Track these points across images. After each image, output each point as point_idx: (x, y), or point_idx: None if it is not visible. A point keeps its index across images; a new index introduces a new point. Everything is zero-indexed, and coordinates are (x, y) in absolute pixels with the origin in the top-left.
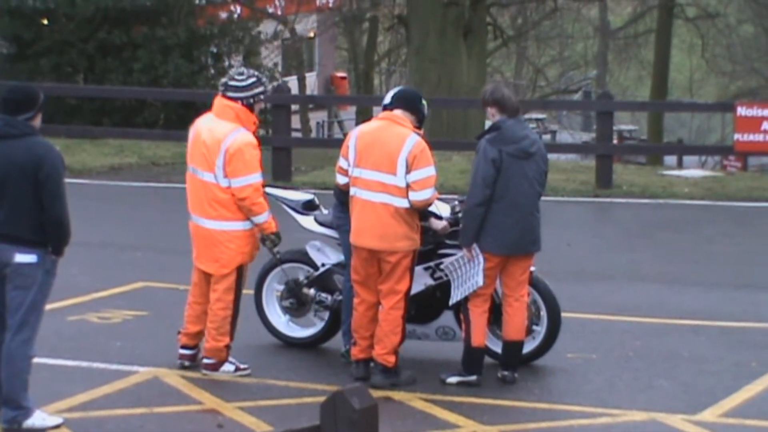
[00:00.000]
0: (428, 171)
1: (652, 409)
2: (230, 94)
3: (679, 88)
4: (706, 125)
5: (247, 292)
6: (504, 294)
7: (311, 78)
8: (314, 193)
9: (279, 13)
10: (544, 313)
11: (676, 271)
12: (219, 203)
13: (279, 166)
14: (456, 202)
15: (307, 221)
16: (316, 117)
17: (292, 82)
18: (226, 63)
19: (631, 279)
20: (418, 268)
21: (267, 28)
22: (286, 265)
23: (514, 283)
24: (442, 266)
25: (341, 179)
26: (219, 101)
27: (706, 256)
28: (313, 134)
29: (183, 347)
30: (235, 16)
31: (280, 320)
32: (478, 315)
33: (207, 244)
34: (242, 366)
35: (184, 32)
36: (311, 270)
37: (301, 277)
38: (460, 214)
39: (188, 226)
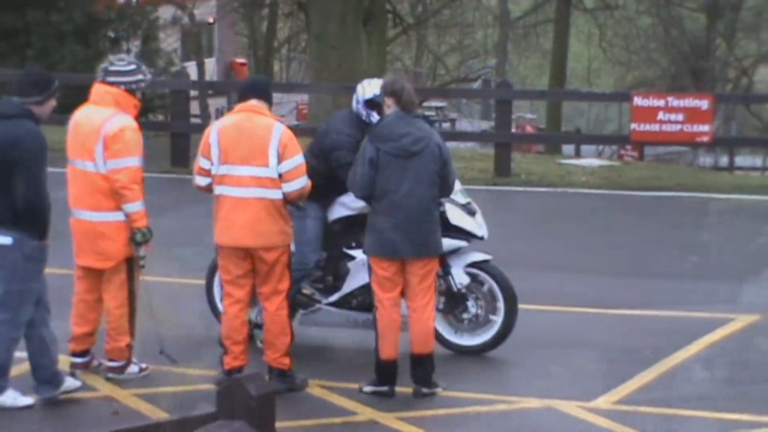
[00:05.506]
0: (299, 159)
1: (548, 396)
2: (111, 79)
3: (577, 77)
4: (603, 115)
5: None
6: (406, 304)
7: (211, 64)
8: None
9: None
10: (501, 304)
11: (573, 260)
12: (101, 193)
13: (178, 152)
14: None
15: None
16: (216, 103)
17: (192, 67)
18: (125, 48)
19: (529, 267)
20: (363, 258)
21: (166, 13)
22: None
23: (412, 292)
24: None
25: (202, 181)
26: (97, 88)
27: (603, 244)
28: (213, 120)
29: (73, 355)
30: (134, 0)
31: None
32: (384, 326)
33: (91, 237)
34: (144, 366)
35: (80, 17)
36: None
37: None
38: None
39: (69, 223)
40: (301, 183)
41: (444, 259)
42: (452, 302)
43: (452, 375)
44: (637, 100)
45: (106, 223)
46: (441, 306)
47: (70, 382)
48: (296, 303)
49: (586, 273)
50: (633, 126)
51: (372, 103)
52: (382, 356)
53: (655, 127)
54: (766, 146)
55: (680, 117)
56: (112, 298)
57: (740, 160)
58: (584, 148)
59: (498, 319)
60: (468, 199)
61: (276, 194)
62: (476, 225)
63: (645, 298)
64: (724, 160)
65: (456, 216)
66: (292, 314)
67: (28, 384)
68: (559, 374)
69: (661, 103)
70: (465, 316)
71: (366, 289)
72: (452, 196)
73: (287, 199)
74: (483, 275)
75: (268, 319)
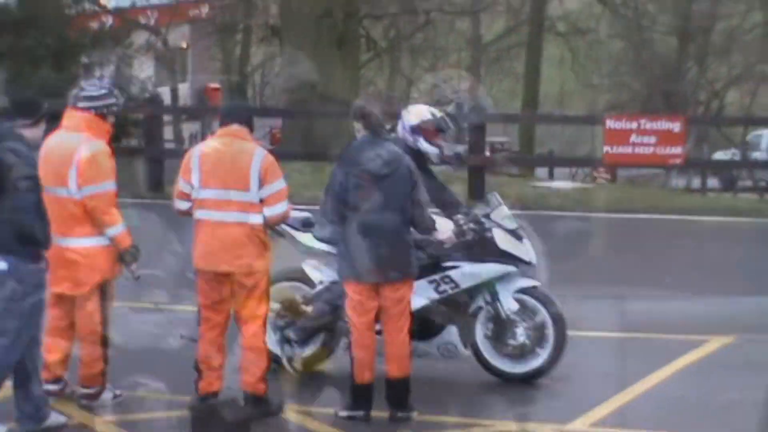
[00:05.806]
0: (280, 183)
1: (524, 419)
2: (82, 104)
3: (550, 100)
4: (576, 137)
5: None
6: (381, 328)
7: (184, 89)
8: None
9: (152, 23)
10: (550, 330)
11: (547, 282)
12: (74, 218)
13: (152, 177)
14: (459, 215)
15: (306, 238)
16: (190, 128)
17: (165, 93)
18: (98, 74)
19: None
20: (422, 282)
21: (139, 38)
22: (286, 284)
23: (386, 316)
24: None
25: (183, 205)
26: (69, 114)
27: (576, 266)
28: (186, 145)
29: (45, 382)
30: (107, 26)
31: (271, 339)
32: (359, 350)
33: (63, 263)
34: (118, 392)
35: (54, 41)
36: (308, 288)
37: (298, 296)
38: (465, 227)
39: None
40: (283, 207)
41: (492, 285)
42: (500, 329)
43: (428, 399)
44: (610, 123)
45: (79, 249)
46: (489, 332)
47: (54, 418)
48: (342, 331)
49: (560, 296)
50: (606, 148)
51: (418, 129)
52: (357, 380)
53: (628, 150)
54: (738, 168)
55: (653, 139)
56: (84, 324)
57: (712, 182)
58: (557, 170)
59: (547, 346)
60: (515, 225)
61: (256, 219)
62: (524, 250)
63: (619, 320)
64: (696, 182)
65: (504, 241)
66: (334, 341)
67: (5, 411)
68: (535, 397)
69: (634, 125)
70: (513, 342)
71: (415, 316)
72: (500, 222)
73: (268, 224)
74: (532, 301)
75: (246, 343)
